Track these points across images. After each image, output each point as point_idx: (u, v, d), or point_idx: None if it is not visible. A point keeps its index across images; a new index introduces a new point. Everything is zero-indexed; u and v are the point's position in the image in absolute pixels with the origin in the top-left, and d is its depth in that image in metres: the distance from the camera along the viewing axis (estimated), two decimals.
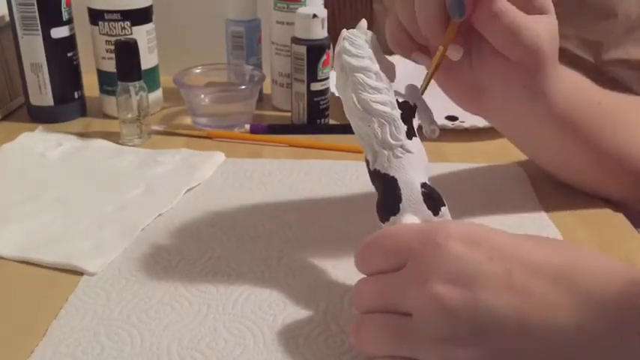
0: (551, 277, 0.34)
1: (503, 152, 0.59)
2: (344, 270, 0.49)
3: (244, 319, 0.44)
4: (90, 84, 0.81)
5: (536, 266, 0.34)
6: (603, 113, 0.54)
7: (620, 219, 0.58)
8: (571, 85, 0.52)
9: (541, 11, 0.48)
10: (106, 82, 0.79)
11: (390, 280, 0.38)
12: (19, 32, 0.74)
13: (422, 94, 0.49)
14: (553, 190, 0.61)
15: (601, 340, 0.32)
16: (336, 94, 0.79)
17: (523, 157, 0.64)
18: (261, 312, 0.45)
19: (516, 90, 0.51)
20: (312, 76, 0.75)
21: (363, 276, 0.41)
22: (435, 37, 0.48)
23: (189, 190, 0.63)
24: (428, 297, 0.35)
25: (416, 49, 0.50)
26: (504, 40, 0.47)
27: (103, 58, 0.78)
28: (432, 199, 0.44)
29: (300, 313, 0.45)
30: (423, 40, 0.50)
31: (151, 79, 0.79)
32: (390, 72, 0.47)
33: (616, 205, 0.60)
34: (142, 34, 0.77)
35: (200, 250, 0.52)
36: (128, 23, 0.76)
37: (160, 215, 0.58)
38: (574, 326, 0.32)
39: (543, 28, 0.48)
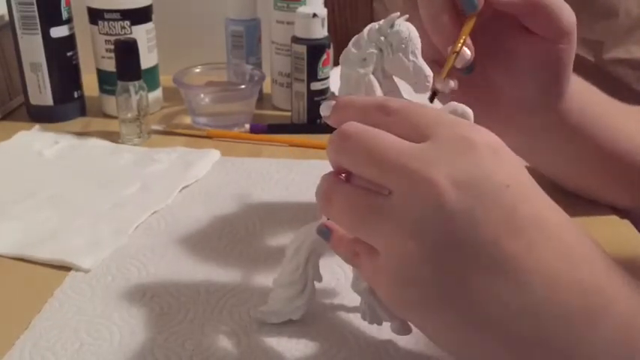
0: (551, 234, 0.32)
1: None
2: (340, 272, 0.49)
3: (231, 322, 0.44)
4: (89, 83, 0.81)
5: (543, 220, 0.32)
6: (609, 117, 0.53)
7: (627, 225, 0.57)
8: (581, 89, 0.51)
9: None
10: (105, 81, 0.79)
11: (401, 147, 0.33)
12: (19, 32, 0.74)
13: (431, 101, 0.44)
14: (557, 198, 0.59)
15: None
16: (336, 94, 0.78)
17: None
18: (248, 315, 0.44)
19: (534, 92, 0.49)
20: (312, 75, 0.75)
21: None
22: (445, 40, 0.44)
23: (184, 187, 0.62)
24: (427, 181, 0.31)
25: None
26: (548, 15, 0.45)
27: (103, 57, 0.78)
28: None
29: None
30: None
31: (150, 78, 0.78)
32: None
33: (621, 211, 0.58)
34: (141, 33, 0.77)
35: (191, 249, 0.52)
36: (128, 22, 0.76)
37: (154, 213, 0.58)
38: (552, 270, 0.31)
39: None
